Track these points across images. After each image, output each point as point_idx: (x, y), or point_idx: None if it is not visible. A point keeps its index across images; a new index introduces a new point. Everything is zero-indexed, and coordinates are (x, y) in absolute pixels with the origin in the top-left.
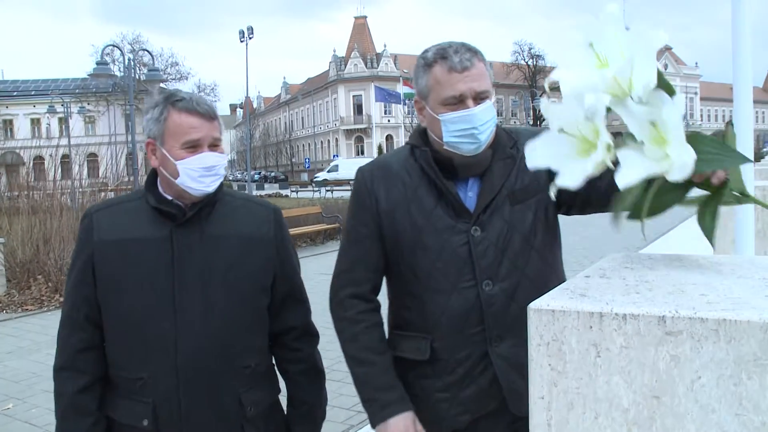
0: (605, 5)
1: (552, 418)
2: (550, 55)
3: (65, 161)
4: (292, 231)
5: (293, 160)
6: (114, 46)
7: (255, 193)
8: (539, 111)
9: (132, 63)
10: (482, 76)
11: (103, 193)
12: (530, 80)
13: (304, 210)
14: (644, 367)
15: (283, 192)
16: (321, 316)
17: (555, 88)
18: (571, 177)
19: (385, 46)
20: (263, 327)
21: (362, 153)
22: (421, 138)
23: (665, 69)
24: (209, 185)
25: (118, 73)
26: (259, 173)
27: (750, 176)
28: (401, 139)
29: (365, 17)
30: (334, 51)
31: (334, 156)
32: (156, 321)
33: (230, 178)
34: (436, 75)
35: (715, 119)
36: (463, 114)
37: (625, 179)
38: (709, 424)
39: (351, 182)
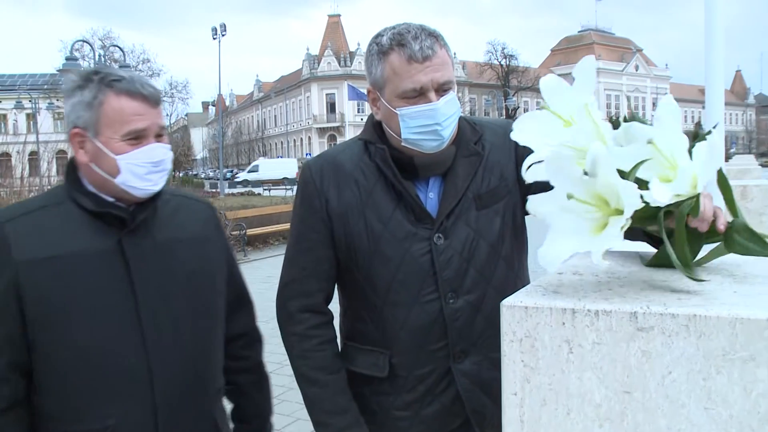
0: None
1: (525, 414)
2: (522, 55)
3: (33, 158)
4: (266, 229)
5: (266, 158)
6: (84, 41)
7: (227, 191)
8: (512, 110)
9: (102, 59)
10: (445, 64)
11: None
12: (503, 80)
13: (276, 208)
14: (616, 362)
15: (256, 190)
16: None
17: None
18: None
19: (358, 44)
20: (223, 338)
21: None
22: (376, 133)
23: (636, 70)
24: (157, 183)
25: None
26: (232, 171)
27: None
28: None
29: (339, 15)
30: (308, 49)
31: (306, 154)
32: (120, 353)
33: (202, 177)
34: (393, 64)
35: (684, 120)
36: (425, 108)
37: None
38: (679, 419)
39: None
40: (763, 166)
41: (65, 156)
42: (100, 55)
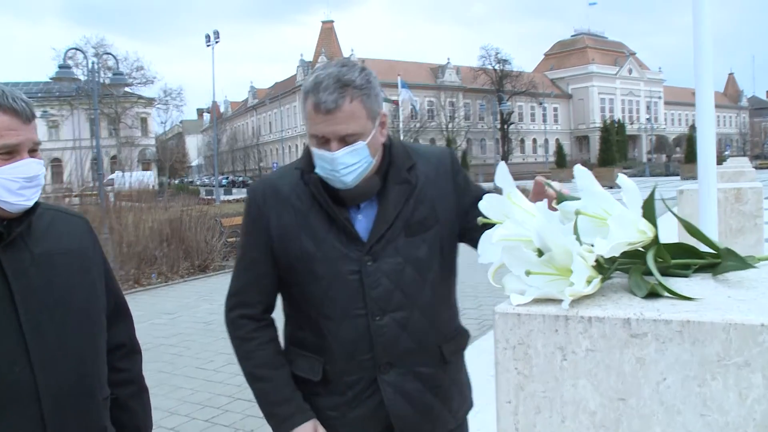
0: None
1: (519, 422)
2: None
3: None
4: None
5: (261, 164)
6: (77, 49)
7: (223, 197)
8: (506, 114)
9: (96, 67)
10: (350, 117)
11: (67, 199)
12: (497, 84)
13: None
14: (610, 369)
15: None
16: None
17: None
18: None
19: (352, 50)
20: (105, 349)
21: None
22: (310, 162)
23: (630, 74)
24: (30, 198)
25: (81, 77)
26: (227, 178)
27: (713, 180)
28: None
29: (332, 22)
30: (302, 55)
31: None
32: (7, 367)
33: (198, 183)
34: (307, 108)
35: (678, 123)
36: (325, 155)
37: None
38: (674, 425)
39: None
40: (757, 168)
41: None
42: (93, 63)
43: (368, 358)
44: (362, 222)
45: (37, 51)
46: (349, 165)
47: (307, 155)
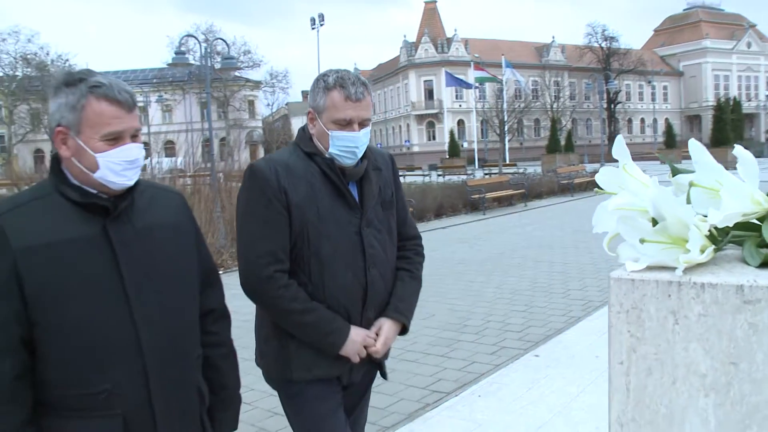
0: None
1: (630, 382)
2: (624, 37)
3: (145, 148)
4: None
5: None
6: (190, 35)
7: None
8: (613, 93)
9: (207, 52)
10: (368, 106)
11: (181, 180)
12: (604, 62)
13: None
14: (722, 334)
15: None
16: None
17: None
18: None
19: (455, 30)
20: (198, 313)
21: (434, 138)
22: (314, 146)
23: (748, 48)
24: (131, 178)
25: (193, 62)
26: None
27: None
28: (473, 124)
29: (435, 2)
30: (405, 36)
31: (405, 142)
32: (114, 326)
33: None
34: (333, 98)
35: None
36: (350, 134)
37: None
38: None
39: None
40: None
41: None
42: (204, 48)
43: (360, 301)
44: (354, 196)
45: (152, 39)
46: (364, 143)
47: (309, 141)
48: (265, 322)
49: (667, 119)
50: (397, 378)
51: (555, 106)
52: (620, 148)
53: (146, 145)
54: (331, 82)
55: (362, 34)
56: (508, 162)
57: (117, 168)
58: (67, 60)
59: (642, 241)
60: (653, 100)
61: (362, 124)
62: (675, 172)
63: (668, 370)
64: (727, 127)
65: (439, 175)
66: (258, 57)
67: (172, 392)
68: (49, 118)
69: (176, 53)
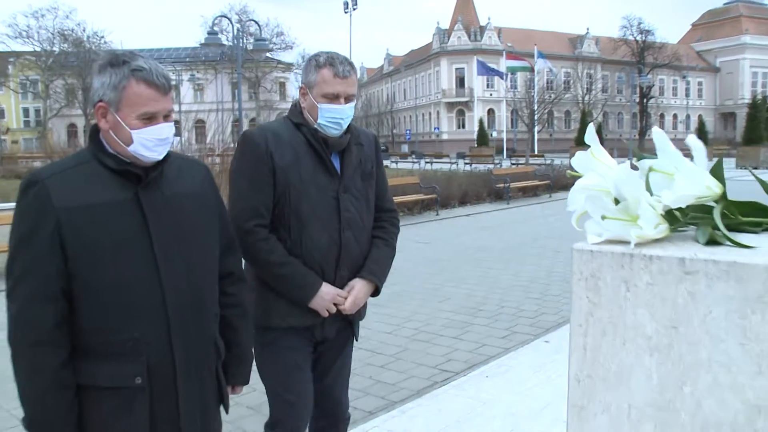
0: None
1: (588, 343)
2: (660, 30)
3: (176, 127)
4: None
5: (394, 131)
6: (223, 16)
7: None
8: (646, 88)
9: (240, 33)
10: (354, 84)
11: (209, 158)
12: (638, 56)
13: (402, 180)
14: (666, 301)
15: (384, 162)
16: (413, 281)
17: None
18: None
19: (489, 19)
20: (217, 274)
21: (463, 126)
22: (302, 117)
23: None
24: (161, 153)
25: (226, 43)
26: None
27: None
28: (503, 113)
29: None
30: (438, 23)
31: (435, 129)
32: (142, 282)
33: None
34: (323, 75)
35: None
36: (337, 107)
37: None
38: (717, 351)
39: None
40: None
41: (203, 125)
42: (237, 29)
43: (334, 260)
44: (335, 166)
45: (184, 18)
46: (349, 116)
47: (298, 113)
48: (250, 274)
49: (700, 116)
50: (409, 357)
51: (586, 98)
52: (590, 134)
53: (177, 123)
54: (322, 61)
55: (395, 19)
56: (536, 153)
57: (149, 144)
58: (102, 37)
59: (603, 217)
60: (687, 95)
61: (348, 99)
62: (640, 158)
63: (620, 332)
64: (761, 126)
65: (466, 164)
66: (290, 39)
67: (192, 344)
68: (92, 93)
69: (209, 33)
